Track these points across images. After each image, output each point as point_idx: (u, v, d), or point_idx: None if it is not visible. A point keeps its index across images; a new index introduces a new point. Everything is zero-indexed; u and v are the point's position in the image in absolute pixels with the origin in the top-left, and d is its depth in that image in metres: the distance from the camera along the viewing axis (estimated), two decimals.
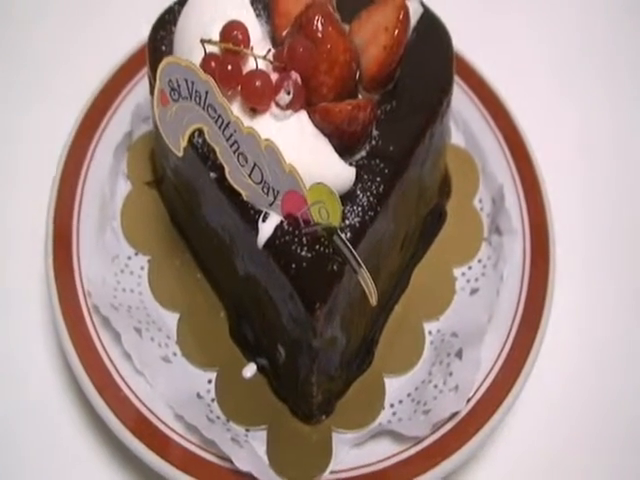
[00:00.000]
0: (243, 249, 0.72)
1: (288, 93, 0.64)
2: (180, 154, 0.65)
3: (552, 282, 0.82)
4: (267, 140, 0.60)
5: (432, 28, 0.78)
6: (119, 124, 0.90)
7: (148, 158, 0.90)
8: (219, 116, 0.61)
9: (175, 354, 0.80)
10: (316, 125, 0.66)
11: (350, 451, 0.75)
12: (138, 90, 0.91)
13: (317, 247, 0.64)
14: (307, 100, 0.66)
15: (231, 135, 0.61)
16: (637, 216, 1.00)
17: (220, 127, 0.61)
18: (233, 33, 0.65)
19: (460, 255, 0.87)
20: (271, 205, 0.64)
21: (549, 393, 0.87)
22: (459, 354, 0.78)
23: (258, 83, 0.64)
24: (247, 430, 0.76)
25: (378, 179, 0.69)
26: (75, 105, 0.90)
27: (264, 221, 0.65)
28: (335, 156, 0.66)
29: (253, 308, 0.77)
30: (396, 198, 0.71)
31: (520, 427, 0.85)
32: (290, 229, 0.65)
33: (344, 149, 0.67)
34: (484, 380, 0.77)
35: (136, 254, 0.86)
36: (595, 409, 0.88)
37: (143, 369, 0.76)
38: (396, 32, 0.69)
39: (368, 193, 0.68)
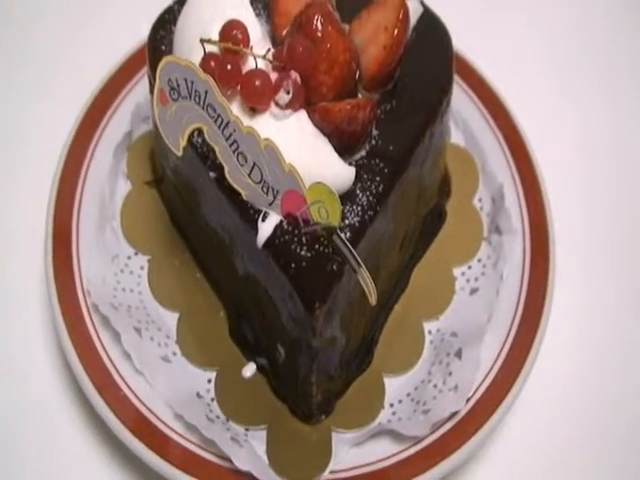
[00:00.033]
0: (243, 249, 0.72)
1: (288, 93, 0.64)
2: (180, 154, 0.65)
3: (552, 282, 0.82)
4: (267, 140, 0.60)
5: (432, 27, 0.78)
6: (119, 124, 0.90)
7: (148, 158, 0.90)
8: (219, 115, 0.61)
9: (175, 354, 0.80)
10: (316, 125, 0.66)
11: (350, 451, 0.75)
12: (138, 90, 0.91)
13: (317, 247, 0.64)
14: (307, 99, 0.66)
15: (230, 134, 0.61)
16: (637, 216, 1.00)
17: (220, 126, 0.61)
18: (233, 32, 0.65)
19: (460, 255, 0.87)
20: (271, 205, 0.64)
21: (549, 393, 0.87)
22: (459, 354, 0.78)
23: (257, 82, 0.64)
24: (247, 430, 0.76)
25: (378, 179, 0.69)
26: (75, 105, 0.90)
27: (264, 221, 0.65)
28: (335, 156, 0.66)
29: (253, 308, 0.77)
30: (396, 198, 0.71)
31: (519, 427, 0.85)
32: (290, 229, 0.65)
33: (344, 149, 0.67)
34: (483, 380, 0.77)
35: (136, 254, 0.86)
36: (595, 409, 0.88)
37: (143, 369, 0.76)
38: (396, 32, 0.69)
39: (368, 193, 0.68)
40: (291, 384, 0.76)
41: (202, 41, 0.65)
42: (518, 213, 0.87)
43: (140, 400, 0.75)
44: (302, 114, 0.66)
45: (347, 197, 0.67)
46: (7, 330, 0.89)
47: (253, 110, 0.65)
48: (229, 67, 0.64)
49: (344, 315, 0.70)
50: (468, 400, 0.75)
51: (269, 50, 0.66)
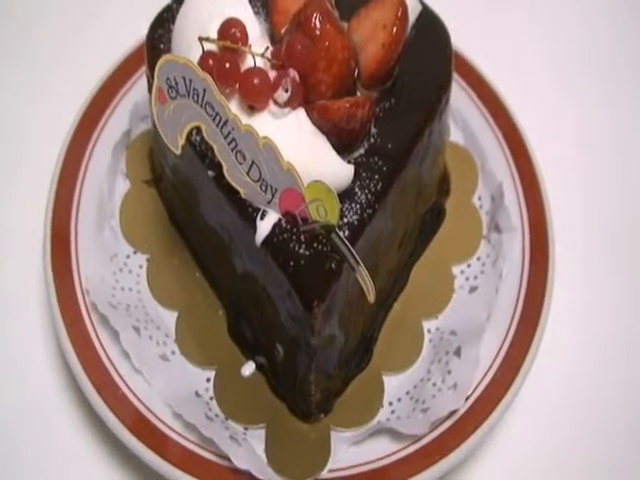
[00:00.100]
0: (241, 247, 0.71)
1: (286, 91, 0.64)
2: (178, 152, 0.65)
3: (551, 280, 0.82)
4: (265, 138, 0.60)
5: (431, 25, 0.78)
6: (118, 123, 0.90)
7: (146, 156, 0.90)
8: (217, 114, 0.61)
9: (173, 352, 0.80)
10: (314, 123, 0.66)
11: (348, 449, 0.75)
12: (137, 89, 0.91)
13: (315, 245, 0.64)
14: (305, 98, 0.66)
15: (229, 133, 0.61)
16: (637, 214, 1.00)
17: (218, 125, 0.61)
18: (231, 31, 0.65)
19: (459, 253, 0.87)
20: (269, 203, 0.64)
21: (548, 391, 0.87)
22: (458, 352, 0.78)
23: (256, 81, 0.64)
24: (245, 428, 0.76)
25: (376, 177, 0.69)
26: (74, 104, 0.90)
27: (262, 219, 0.65)
28: (333, 154, 0.66)
29: (251, 306, 0.77)
30: (394, 196, 0.71)
31: (519, 425, 0.85)
32: (288, 227, 0.65)
33: (342, 147, 0.67)
34: (483, 378, 0.77)
35: (135, 252, 0.86)
36: (594, 407, 0.88)
37: (141, 367, 0.76)
38: (394, 30, 0.69)
39: (366, 191, 0.68)
40: (290, 383, 0.76)
41: (200, 39, 0.65)
42: (517, 211, 0.86)
43: (139, 399, 0.75)
44: (301, 112, 0.66)
45: (346, 195, 0.67)
46: (6, 329, 0.89)
47: (251, 108, 0.65)
48: (227, 65, 0.64)
49: (343, 313, 0.70)
50: (467, 398, 0.75)
51: (268, 48, 0.66)
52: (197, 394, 0.78)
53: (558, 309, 0.82)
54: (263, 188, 0.63)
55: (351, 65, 0.68)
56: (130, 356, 0.76)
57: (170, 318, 0.82)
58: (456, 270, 0.86)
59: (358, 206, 0.67)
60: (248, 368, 0.79)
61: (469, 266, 0.86)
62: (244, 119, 0.62)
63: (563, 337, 0.89)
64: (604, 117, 1.08)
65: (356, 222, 0.67)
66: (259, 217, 0.65)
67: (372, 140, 0.70)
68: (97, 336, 0.78)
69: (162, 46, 0.75)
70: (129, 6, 1.09)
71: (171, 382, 0.77)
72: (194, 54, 0.65)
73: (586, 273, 0.95)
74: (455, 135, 0.93)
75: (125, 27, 0.93)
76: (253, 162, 0.62)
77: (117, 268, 0.83)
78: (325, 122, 0.66)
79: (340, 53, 0.67)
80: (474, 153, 0.92)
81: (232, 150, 0.62)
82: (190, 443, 0.74)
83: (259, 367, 0.79)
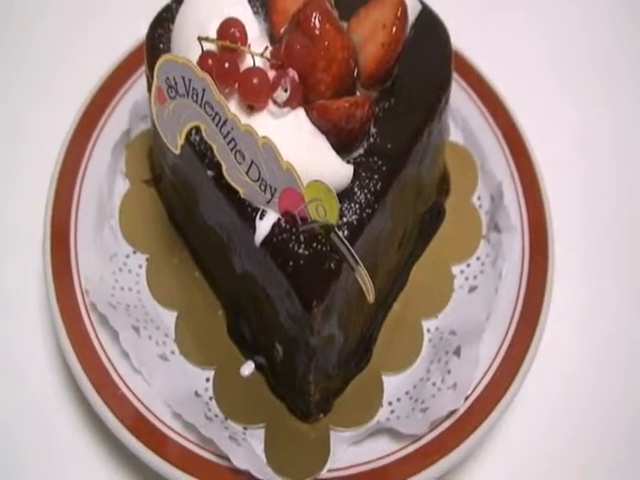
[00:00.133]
0: (240, 247, 0.71)
1: (285, 90, 0.64)
2: (177, 152, 0.65)
3: (551, 280, 0.82)
4: (264, 138, 0.60)
5: (430, 25, 0.78)
6: (117, 122, 0.90)
7: (146, 156, 0.90)
8: (216, 114, 0.61)
9: (173, 352, 0.80)
10: (314, 122, 0.66)
11: (348, 449, 0.75)
12: (136, 88, 0.91)
13: (314, 245, 0.64)
14: (305, 97, 0.66)
15: (228, 133, 0.61)
16: (637, 213, 1.00)
17: (217, 125, 0.61)
18: (230, 30, 0.65)
19: (459, 253, 0.87)
20: (268, 203, 0.64)
21: (548, 391, 0.87)
22: (457, 352, 0.78)
23: (255, 80, 0.64)
24: (245, 428, 0.76)
25: (376, 177, 0.69)
26: (74, 104, 0.90)
27: (261, 219, 0.65)
28: (332, 154, 0.66)
29: (251, 306, 0.77)
30: (394, 196, 0.71)
31: (518, 425, 0.85)
32: (287, 227, 0.65)
33: (342, 147, 0.67)
34: (482, 378, 0.77)
35: (134, 252, 0.86)
36: (594, 407, 0.88)
37: (141, 367, 0.76)
38: (394, 29, 0.69)
39: (366, 191, 0.68)
40: (289, 382, 0.76)
41: (200, 39, 0.65)
42: (517, 211, 0.86)
43: (138, 399, 0.75)
44: (300, 112, 0.66)
45: (345, 195, 0.67)
46: (5, 329, 0.88)
47: (251, 108, 0.65)
48: (227, 65, 0.64)
49: (342, 313, 0.70)
50: (467, 398, 0.75)
51: (267, 48, 0.66)
52: (196, 394, 0.78)
53: (558, 309, 0.82)
54: (262, 188, 0.63)
55: (350, 65, 0.68)
56: (129, 356, 0.76)
57: (169, 318, 0.82)
58: (456, 270, 0.86)
59: (357, 206, 0.67)
60: (247, 368, 0.79)
61: (469, 266, 0.86)
62: (243, 119, 0.62)
63: (563, 337, 0.89)
64: (604, 117, 1.08)
65: (355, 222, 0.67)
66: (258, 217, 0.65)
67: (371, 140, 0.70)
68: (97, 336, 0.78)
69: (162, 46, 0.75)
70: (129, 6, 1.09)
71: (170, 382, 0.77)
72: (193, 54, 0.65)
73: (586, 273, 0.95)
74: (455, 135, 0.93)
75: (125, 27, 0.93)
76: (252, 162, 0.62)
77: (116, 268, 0.83)
78: (324, 122, 0.66)
79: (339, 53, 0.67)
80: (474, 153, 0.92)
81: (231, 150, 0.62)
82: (189, 443, 0.74)
83: (258, 367, 0.79)
